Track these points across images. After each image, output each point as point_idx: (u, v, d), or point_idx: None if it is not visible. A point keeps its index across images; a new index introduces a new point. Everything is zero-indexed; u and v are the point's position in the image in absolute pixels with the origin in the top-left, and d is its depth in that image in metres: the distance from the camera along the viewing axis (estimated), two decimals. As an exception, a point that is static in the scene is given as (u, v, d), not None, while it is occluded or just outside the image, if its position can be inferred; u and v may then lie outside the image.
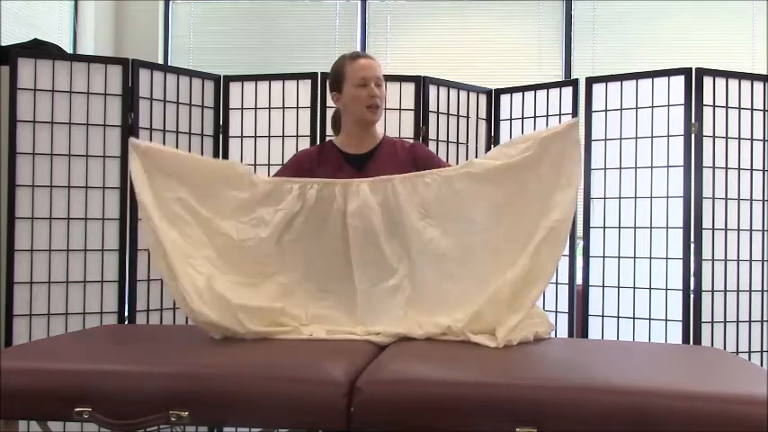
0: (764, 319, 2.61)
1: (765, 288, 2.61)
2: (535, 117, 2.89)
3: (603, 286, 2.70)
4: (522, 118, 2.91)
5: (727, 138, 2.60)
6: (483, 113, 2.98)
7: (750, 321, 2.60)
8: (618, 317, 2.67)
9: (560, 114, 2.81)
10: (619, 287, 2.68)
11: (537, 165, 1.59)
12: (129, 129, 2.60)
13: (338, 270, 1.74)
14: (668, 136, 2.61)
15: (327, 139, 2.67)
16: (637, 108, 2.67)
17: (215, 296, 1.56)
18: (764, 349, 2.61)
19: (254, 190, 1.73)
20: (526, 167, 1.61)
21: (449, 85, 2.88)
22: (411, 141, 2.19)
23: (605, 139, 2.72)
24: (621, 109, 2.70)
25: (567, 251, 2.77)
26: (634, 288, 2.65)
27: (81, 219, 2.55)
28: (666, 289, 2.58)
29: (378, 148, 2.09)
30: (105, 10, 4.23)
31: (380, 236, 1.70)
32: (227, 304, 1.56)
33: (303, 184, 1.76)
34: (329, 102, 2.38)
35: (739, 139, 2.61)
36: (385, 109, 2.72)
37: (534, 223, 1.56)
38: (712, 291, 2.56)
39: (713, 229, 2.57)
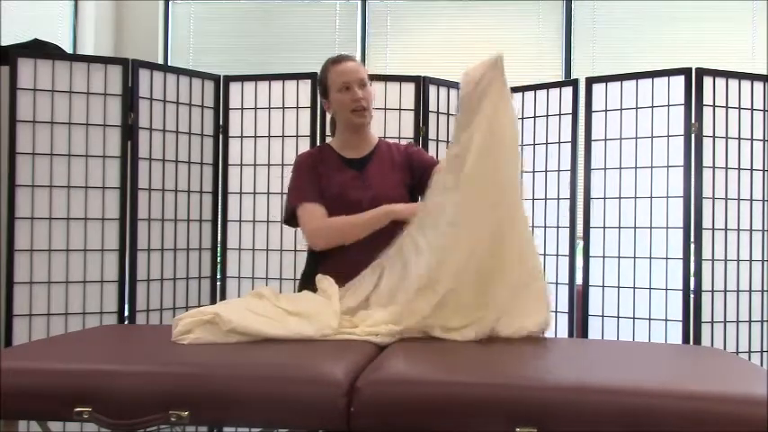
0: (764, 319, 2.61)
1: (765, 288, 2.61)
2: (535, 117, 2.89)
3: (603, 286, 2.70)
4: (522, 118, 2.91)
5: (727, 138, 2.60)
6: (483, 113, 2.97)
7: (750, 321, 2.59)
8: (618, 317, 2.67)
9: (560, 114, 2.81)
10: (619, 287, 2.68)
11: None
12: (129, 129, 2.60)
13: None
14: (668, 136, 2.61)
15: (326, 140, 2.68)
16: (637, 108, 2.67)
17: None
18: (764, 349, 2.61)
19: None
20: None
21: (449, 85, 2.88)
22: (403, 143, 2.19)
23: (605, 139, 2.72)
24: (621, 109, 2.70)
25: (566, 251, 2.77)
26: (634, 288, 2.65)
27: (81, 219, 2.55)
28: (666, 289, 2.58)
29: (375, 152, 2.08)
30: (105, 10, 4.23)
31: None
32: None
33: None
34: (329, 102, 2.37)
35: (739, 139, 2.61)
36: (385, 109, 2.74)
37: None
38: (712, 291, 2.56)
39: (713, 229, 2.57)
